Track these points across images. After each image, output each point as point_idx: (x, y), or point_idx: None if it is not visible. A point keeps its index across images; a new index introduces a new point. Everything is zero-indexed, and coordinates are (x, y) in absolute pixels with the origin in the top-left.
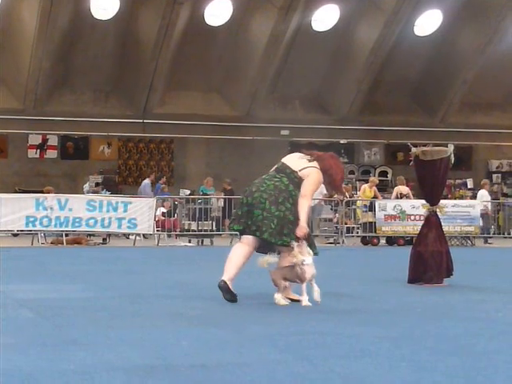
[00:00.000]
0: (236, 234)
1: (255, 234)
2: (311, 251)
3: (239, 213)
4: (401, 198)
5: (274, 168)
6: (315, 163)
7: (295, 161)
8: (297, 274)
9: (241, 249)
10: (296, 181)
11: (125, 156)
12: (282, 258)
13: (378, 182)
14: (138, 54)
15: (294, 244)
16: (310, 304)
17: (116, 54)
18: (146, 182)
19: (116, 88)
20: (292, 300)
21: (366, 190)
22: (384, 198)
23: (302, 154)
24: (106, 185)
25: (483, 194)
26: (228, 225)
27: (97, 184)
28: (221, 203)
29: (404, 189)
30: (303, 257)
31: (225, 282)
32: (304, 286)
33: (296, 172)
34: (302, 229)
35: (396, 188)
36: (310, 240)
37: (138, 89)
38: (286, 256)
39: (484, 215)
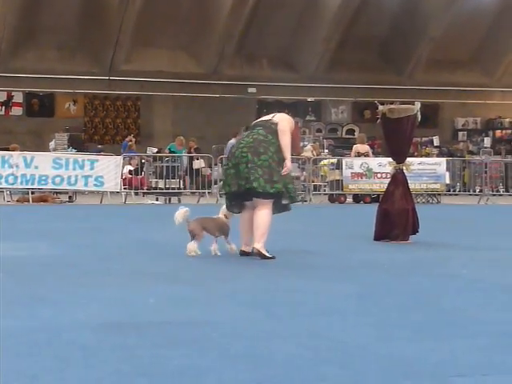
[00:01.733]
0: (204, 193)
1: (245, 187)
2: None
3: (227, 178)
4: (359, 156)
5: (250, 129)
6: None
7: (264, 117)
8: (221, 227)
9: (243, 217)
10: (273, 127)
11: (91, 113)
12: (261, 208)
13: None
14: (104, 10)
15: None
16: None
17: (82, 11)
18: (232, 141)
19: (82, 45)
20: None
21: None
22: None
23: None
24: (71, 142)
25: None
26: (219, 192)
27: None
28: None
29: (363, 147)
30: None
31: (243, 252)
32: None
33: (270, 119)
34: (286, 167)
35: (354, 147)
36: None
37: (104, 46)
38: (261, 207)
39: None
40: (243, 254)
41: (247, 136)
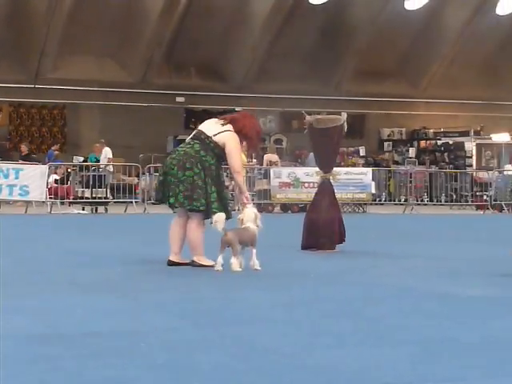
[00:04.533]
0: (131, 202)
1: (168, 201)
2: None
3: (157, 184)
4: (270, 165)
5: (190, 135)
6: (229, 126)
7: (210, 126)
8: (251, 237)
9: (174, 223)
10: (211, 146)
11: (16, 122)
12: (190, 222)
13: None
14: (31, 17)
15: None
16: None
17: (8, 18)
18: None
19: (7, 52)
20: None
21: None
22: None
23: (217, 119)
24: None
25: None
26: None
27: None
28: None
29: (273, 157)
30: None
31: (171, 261)
32: (255, 250)
33: (210, 137)
34: (246, 197)
35: (266, 156)
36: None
37: (30, 53)
38: (194, 221)
39: None
40: (171, 263)
41: (183, 146)
